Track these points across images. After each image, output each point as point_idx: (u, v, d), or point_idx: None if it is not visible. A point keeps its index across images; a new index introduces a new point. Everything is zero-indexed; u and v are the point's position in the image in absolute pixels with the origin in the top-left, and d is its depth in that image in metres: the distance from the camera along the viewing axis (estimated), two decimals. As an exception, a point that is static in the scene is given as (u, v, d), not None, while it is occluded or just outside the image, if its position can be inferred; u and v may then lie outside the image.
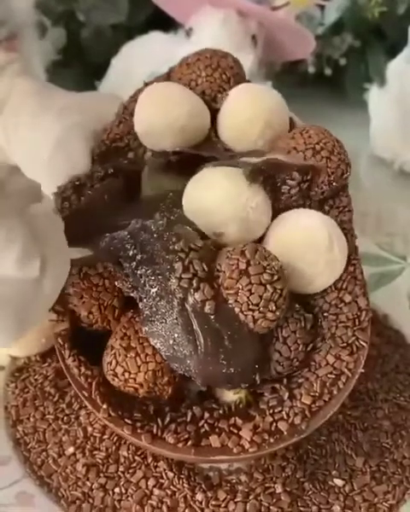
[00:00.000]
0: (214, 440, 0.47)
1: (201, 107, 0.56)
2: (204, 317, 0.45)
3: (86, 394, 0.48)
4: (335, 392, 0.48)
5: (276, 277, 0.46)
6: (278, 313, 0.46)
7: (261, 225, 0.50)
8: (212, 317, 0.45)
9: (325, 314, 0.50)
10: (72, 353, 0.49)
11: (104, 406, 0.48)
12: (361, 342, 0.49)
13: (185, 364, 0.46)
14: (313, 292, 0.50)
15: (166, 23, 0.90)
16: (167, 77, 0.60)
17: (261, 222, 0.50)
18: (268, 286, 0.45)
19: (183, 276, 0.45)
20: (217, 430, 0.48)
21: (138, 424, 0.48)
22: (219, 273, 0.46)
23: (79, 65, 0.98)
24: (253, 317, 0.45)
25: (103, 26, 0.96)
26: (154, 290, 0.47)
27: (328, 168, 0.51)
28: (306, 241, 0.49)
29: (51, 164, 0.58)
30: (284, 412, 0.47)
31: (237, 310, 0.45)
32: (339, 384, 0.48)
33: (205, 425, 0.48)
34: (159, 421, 0.48)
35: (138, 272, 0.48)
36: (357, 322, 0.49)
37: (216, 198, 0.49)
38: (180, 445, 0.47)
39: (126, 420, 0.48)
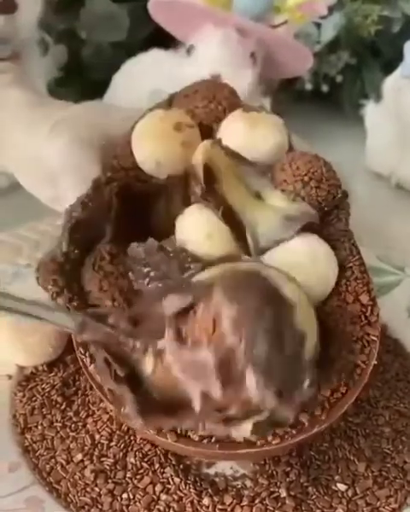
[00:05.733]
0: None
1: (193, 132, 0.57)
2: None
3: (110, 399, 0.49)
4: (351, 383, 0.49)
5: None
6: None
7: None
8: None
9: (331, 316, 0.51)
10: (93, 361, 0.50)
11: None
12: (372, 337, 0.50)
13: None
14: (316, 301, 0.51)
15: (166, 41, 0.92)
16: (169, 103, 0.62)
17: None
18: None
19: None
20: None
21: None
22: None
23: (80, 82, 0.99)
24: None
25: (104, 43, 0.97)
26: None
27: (318, 196, 0.52)
28: (292, 260, 0.50)
29: (61, 181, 0.58)
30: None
31: None
32: (355, 376, 0.49)
33: None
34: None
35: (150, 287, 0.49)
36: (363, 318, 0.51)
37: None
38: (205, 441, 0.47)
39: None
